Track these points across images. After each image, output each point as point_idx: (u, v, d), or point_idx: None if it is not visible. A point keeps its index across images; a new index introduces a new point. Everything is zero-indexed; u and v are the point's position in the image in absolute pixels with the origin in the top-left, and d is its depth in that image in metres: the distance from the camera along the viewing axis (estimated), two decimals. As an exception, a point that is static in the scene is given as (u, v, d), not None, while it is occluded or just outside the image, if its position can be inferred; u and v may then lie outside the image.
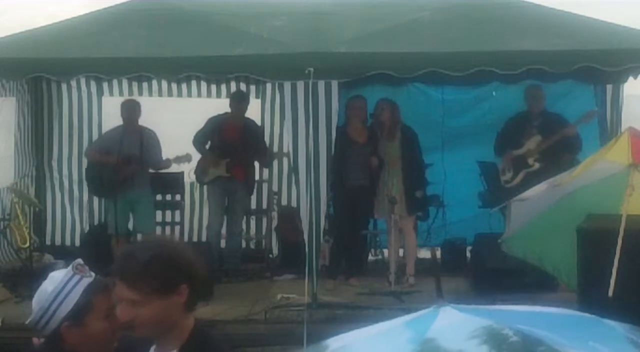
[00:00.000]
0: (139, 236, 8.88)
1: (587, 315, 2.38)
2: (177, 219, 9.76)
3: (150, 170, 8.77)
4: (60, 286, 2.88)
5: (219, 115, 8.98)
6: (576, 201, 5.88)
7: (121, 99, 9.14)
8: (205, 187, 9.26)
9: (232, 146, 8.76)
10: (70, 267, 2.93)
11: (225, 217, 9.04)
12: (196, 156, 8.88)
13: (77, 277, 2.90)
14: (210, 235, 9.03)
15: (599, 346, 2.07)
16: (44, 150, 9.81)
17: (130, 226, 8.83)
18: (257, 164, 9.20)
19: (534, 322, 2.11)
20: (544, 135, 8.35)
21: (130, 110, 8.59)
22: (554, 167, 8.29)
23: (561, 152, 8.24)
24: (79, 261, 2.99)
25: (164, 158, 8.65)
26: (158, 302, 2.50)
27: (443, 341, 1.99)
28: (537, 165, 8.32)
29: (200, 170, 8.95)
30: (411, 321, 2.17)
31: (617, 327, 2.24)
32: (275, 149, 9.79)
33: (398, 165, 8.25)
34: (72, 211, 9.83)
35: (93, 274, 2.96)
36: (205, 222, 9.51)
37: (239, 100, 8.94)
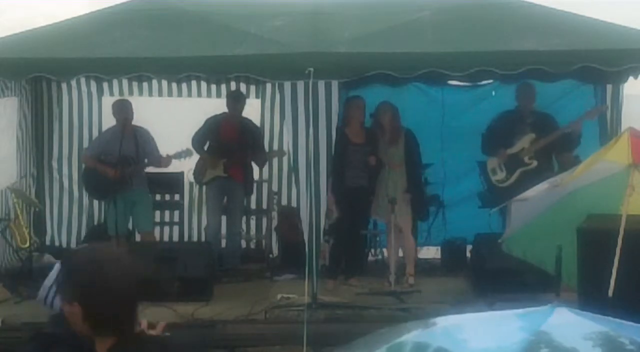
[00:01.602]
0: (138, 236, 8.91)
1: None
2: (177, 219, 9.78)
3: (148, 170, 8.77)
4: None
5: (216, 116, 8.98)
6: (576, 200, 5.88)
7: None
8: (204, 187, 9.26)
9: (229, 146, 8.76)
10: None
11: (224, 218, 9.04)
12: (195, 154, 8.87)
13: None
14: (210, 235, 9.03)
15: None
16: (44, 150, 9.79)
17: (130, 225, 8.85)
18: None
19: None
20: (537, 133, 8.33)
21: (123, 110, 8.59)
22: (551, 164, 8.29)
23: (559, 149, 8.23)
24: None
25: (162, 155, 8.65)
26: (67, 304, 2.53)
27: (557, 337, 2.01)
28: (534, 163, 8.29)
29: (198, 171, 8.95)
30: (524, 314, 2.21)
31: None
32: (275, 148, 9.79)
33: (401, 169, 8.25)
34: (72, 211, 9.83)
35: None
36: (204, 222, 9.51)
37: (236, 100, 8.93)
